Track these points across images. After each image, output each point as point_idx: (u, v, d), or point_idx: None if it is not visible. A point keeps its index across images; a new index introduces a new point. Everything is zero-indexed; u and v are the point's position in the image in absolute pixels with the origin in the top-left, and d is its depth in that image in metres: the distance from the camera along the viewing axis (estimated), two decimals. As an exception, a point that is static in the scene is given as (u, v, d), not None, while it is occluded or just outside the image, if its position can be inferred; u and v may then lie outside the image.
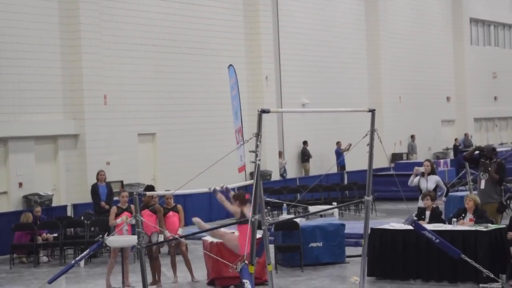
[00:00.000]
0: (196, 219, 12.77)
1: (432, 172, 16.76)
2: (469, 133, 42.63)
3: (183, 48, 26.76)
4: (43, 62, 22.51)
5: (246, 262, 9.70)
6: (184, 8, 26.95)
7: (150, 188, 15.51)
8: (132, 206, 14.98)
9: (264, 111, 10.55)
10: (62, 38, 22.97)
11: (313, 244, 16.20)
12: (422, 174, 16.67)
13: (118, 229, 14.14)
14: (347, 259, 16.36)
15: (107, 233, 14.80)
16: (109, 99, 24.06)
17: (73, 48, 23.04)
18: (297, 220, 16.52)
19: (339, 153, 31.78)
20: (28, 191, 21.87)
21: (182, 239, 14.72)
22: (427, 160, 17.36)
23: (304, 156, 31.99)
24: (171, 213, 15.29)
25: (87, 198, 21.60)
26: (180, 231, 15.20)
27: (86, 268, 17.62)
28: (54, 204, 22.00)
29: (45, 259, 18.82)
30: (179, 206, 15.49)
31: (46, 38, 22.60)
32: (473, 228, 13.79)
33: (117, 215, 14.89)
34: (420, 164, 17.48)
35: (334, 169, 30.70)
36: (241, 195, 12.38)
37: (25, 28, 22.12)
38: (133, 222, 13.11)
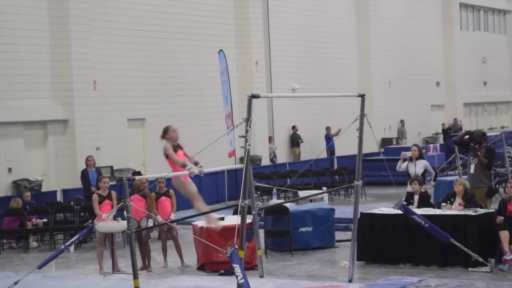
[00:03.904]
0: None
1: (420, 156, 16.80)
2: (459, 118, 42.72)
3: (173, 33, 26.67)
4: (32, 47, 22.41)
5: (236, 247, 9.72)
6: (173, -8, 26.88)
7: (137, 175, 15.54)
8: (113, 193, 15.07)
9: (254, 96, 10.56)
10: (51, 23, 22.86)
11: (303, 229, 16.24)
12: (411, 159, 16.71)
13: (100, 219, 14.11)
14: (336, 243, 16.40)
15: (96, 218, 14.80)
16: (98, 84, 23.99)
17: (62, 33, 22.94)
18: (287, 205, 16.56)
19: (329, 138, 31.81)
20: (18, 176, 21.83)
21: (173, 224, 14.74)
22: (415, 145, 17.39)
23: (294, 141, 32.03)
24: (163, 197, 15.31)
25: (77, 184, 21.59)
26: (173, 216, 15.22)
27: (76, 253, 17.63)
28: (43, 189, 21.98)
29: (34, 244, 18.81)
30: (172, 191, 15.49)
31: (34, 23, 22.49)
32: (462, 213, 13.84)
33: (99, 203, 14.87)
34: (409, 149, 17.52)
35: (324, 154, 30.74)
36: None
37: (13, 13, 22.01)
38: (114, 213, 13.12)
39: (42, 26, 22.68)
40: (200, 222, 14.85)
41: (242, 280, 9.38)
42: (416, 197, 14.97)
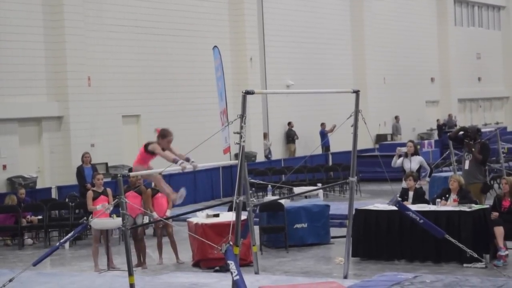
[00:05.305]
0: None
1: (416, 152, 16.84)
2: (453, 114, 42.77)
3: (167, 29, 26.64)
4: (26, 44, 22.36)
5: (231, 243, 9.72)
6: (168, -11, 26.84)
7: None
8: (109, 190, 15.08)
9: (248, 92, 10.55)
10: (45, 20, 22.82)
11: (298, 225, 16.24)
12: (406, 155, 16.72)
13: (96, 216, 14.08)
14: (331, 240, 16.41)
15: (91, 215, 14.80)
16: (93, 81, 23.96)
17: (56, 30, 22.89)
18: (282, 201, 16.56)
19: (323, 134, 31.83)
20: (12, 173, 21.78)
21: (168, 221, 14.74)
22: (410, 141, 17.43)
23: (289, 138, 32.04)
24: (159, 194, 15.27)
25: (72, 180, 21.55)
26: (169, 213, 15.21)
27: (71, 250, 17.61)
28: (38, 186, 21.94)
29: (29, 241, 18.78)
30: (168, 188, 15.48)
31: (29, 20, 22.44)
32: (457, 209, 13.85)
33: (94, 199, 14.88)
34: (404, 145, 17.55)
35: (318, 150, 30.75)
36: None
37: (7, 9, 21.95)
38: (111, 209, 13.12)
39: (36, 23, 22.63)
40: (195, 219, 14.85)
41: (237, 277, 9.38)
42: (411, 193, 14.99)
